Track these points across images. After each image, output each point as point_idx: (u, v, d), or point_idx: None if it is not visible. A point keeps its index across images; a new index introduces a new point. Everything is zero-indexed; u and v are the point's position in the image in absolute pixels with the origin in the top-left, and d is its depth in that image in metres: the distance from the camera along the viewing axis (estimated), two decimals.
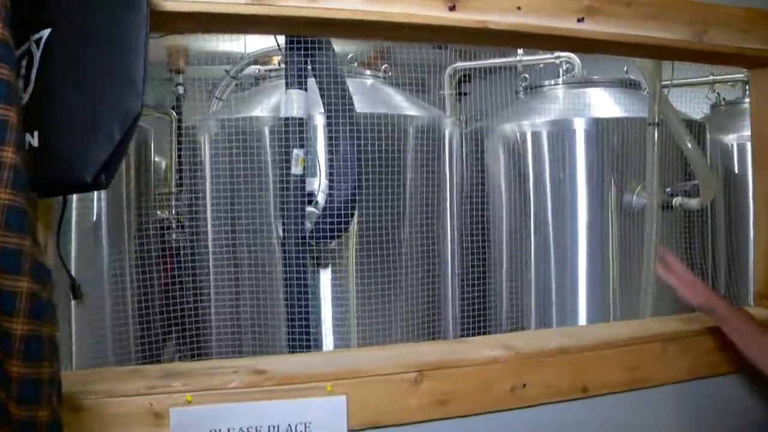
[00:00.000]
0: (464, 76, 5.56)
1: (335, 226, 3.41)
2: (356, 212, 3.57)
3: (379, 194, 3.81)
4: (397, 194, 3.93)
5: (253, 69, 4.74)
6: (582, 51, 3.67)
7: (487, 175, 4.70)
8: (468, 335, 4.17)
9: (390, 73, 4.42)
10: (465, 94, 5.62)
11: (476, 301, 4.30)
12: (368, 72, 4.30)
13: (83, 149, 1.59)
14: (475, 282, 4.36)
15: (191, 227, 4.20)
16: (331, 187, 3.42)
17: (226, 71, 4.89)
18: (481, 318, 4.33)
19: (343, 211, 3.43)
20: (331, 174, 3.45)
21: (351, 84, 4.09)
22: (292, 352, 3.42)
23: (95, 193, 3.85)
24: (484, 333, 4.31)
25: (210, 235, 4.08)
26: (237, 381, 1.88)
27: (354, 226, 3.73)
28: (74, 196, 3.66)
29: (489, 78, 5.33)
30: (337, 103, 3.37)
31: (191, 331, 3.89)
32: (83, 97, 1.61)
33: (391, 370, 2.03)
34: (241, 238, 3.86)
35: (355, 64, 4.43)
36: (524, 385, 2.16)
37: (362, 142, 3.63)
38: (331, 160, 3.49)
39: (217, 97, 4.87)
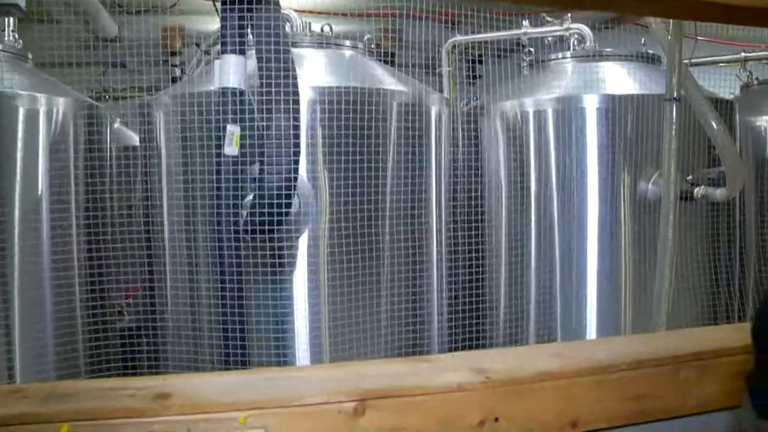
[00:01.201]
0: (477, 57, 5.05)
1: (266, 219, 2.92)
2: (305, 201, 3.08)
3: (353, 182, 3.32)
4: (375, 183, 3.44)
5: None
6: None
7: (483, 161, 4.18)
8: (455, 350, 3.68)
9: (373, 45, 3.91)
10: (479, 76, 5.10)
11: (467, 307, 3.80)
12: (347, 42, 3.79)
13: None
14: (467, 285, 3.86)
15: (146, 216, 3.73)
16: (261, 171, 2.94)
17: (196, 44, 4.41)
18: (473, 329, 3.82)
19: (275, 200, 2.94)
20: (263, 155, 2.96)
21: (325, 55, 3.61)
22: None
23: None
24: (475, 345, 3.80)
25: (165, 227, 3.60)
26: (131, 406, 1.60)
27: (324, 221, 3.25)
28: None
29: (503, 60, 4.80)
30: (277, 70, 2.86)
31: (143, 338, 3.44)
32: None
33: (324, 398, 1.71)
34: (197, 229, 3.39)
35: (374, 45, 3.94)
36: (496, 419, 1.82)
37: (327, 120, 3.14)
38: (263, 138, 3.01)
39: (188, 74, 4.39)
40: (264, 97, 2.91)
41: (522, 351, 2.82)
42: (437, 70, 4.79)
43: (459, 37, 4.60)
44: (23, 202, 3.49)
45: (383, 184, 3.49)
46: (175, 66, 5.42)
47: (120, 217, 3.88)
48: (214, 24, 4.50)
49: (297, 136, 2.94)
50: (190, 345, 3.37)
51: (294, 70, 2.93)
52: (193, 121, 3.27)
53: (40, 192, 3.55)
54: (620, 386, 1.93)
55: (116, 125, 4.29)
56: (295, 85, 2.92)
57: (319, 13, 4.85)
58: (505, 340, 4.02)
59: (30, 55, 3.92)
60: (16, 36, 3.88)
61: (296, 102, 2.92)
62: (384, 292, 3.47)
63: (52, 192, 3.56)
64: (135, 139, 4.33)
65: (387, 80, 3.68)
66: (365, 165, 3.39)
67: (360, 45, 3.86)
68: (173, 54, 5.37)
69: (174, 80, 5.24)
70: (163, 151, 3.60)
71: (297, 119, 2.93)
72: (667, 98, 3.24)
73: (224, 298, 2.95)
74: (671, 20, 3.15)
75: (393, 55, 4.68)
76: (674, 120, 3.23)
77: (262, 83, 2.92)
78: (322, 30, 3.76)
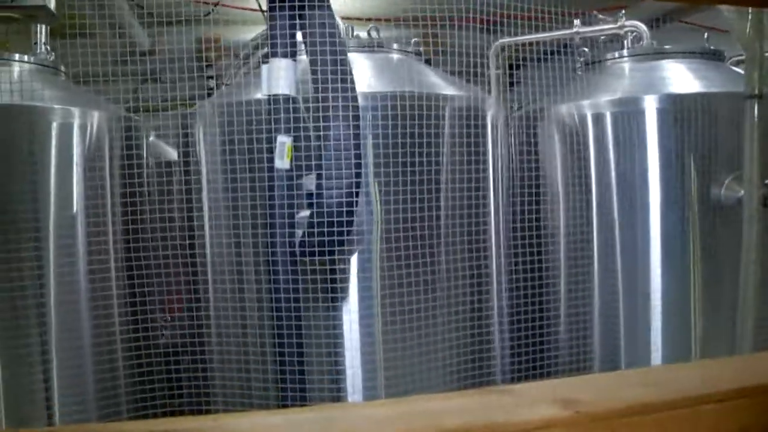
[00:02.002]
0: (514, 62, 4.81)
1: (325, 238, 2.69)
2: (357, 218, 2.85)
3: (404, 196, 3.08)
4: (429, 196, 3.20)
5: None
6: None
7: (541, 168, 3.93)
8: (518, 378, 3.41)
9: (421, 48, 3.69)
10: (517, 82, 4.86)
11: (528, 325, 3.54)
12: (395, 46, 3.58)
13: None
14: (528, 303, 3.59)
15: (187, 234, 3.52)
16: (320, 186, 2.72)
17: (234, 54, 4.21)
18: (536, 353, 3.55)
19: (335, 218, 2.71)
20: (319, 168, 2.75)
21: (372, 59, 3.40)
22: (283, 407, 2.73)
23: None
24: (538, 372, 3.53)
25: (207, 246, 3.40)
26: None
27: (377, 240, 3.01)
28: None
29: (551, 63, 4.56)
30: (333, 73, 2.64)
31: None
32: None
33: None
34: (243, 250, 3.17)
35: (422, 48, 3.70)
36: None
37: (380, 127, 2.91)
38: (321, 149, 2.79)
39: (227, 83, 4.19)
40: (320, 104, 2.69)
41: (610, 378, 2.55)
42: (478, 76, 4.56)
43: (507, 39, 4.37)
44: (58, 219, 3.33)
45: (437, 198, 3.25)
46: (211, 77, 5.23)
47: (159, 234, 3.69)
48: (249, 34, 4.33)
49: (358, 146, 2.72)
50: (234, 371, 3.15)
51: (351, 73, 2.71)
52: (238, 132, 3.05)
53: (75, 209, 3.39)
54: (721, 418, 1.69)
55: (151, 139, 4.10)
56: (354, 90, 2.71)
57: (358, 19, 4.66)
58: (569, 366, 3.73)
59: (63, 68, 3.76)
60: (48, 48, 3.72)
61: (355, 108, 2.70)
62: (441, 318, 3.21)
63: (88, 207, 3.39)
64: (172, 153, 4.15)
65: (439, 84, 3.45)
66: (417, 177, 3.15)
67: (408, 48, 3.64)
68: (209, 65, 5.19)
69: (210, 92, 5.08)
70: (204, 166, 3.40)
71: (357, 127, 2.71)
72: (748, 95, 2.99)
73: (280, 327, 2.72)
74: (749, 9, 2.90)
75: (428, 62, 4.47)
76: (756, 118, 2.97)
77: (316, 88, 2.71)
78: (369, 33, 3.55)
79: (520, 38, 4.30)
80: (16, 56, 3.55)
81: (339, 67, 2.66)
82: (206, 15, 4.47)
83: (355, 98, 2.73)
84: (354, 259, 3.06)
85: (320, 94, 2.68)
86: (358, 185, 2.76)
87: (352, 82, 2.73)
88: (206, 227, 3.37)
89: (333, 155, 2.68)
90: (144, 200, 3.60)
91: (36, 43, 3.69)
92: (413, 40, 3.70)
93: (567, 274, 3.84)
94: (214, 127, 3.21)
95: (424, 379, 3.10)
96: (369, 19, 4.61)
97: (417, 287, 3.03)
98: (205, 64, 5.04)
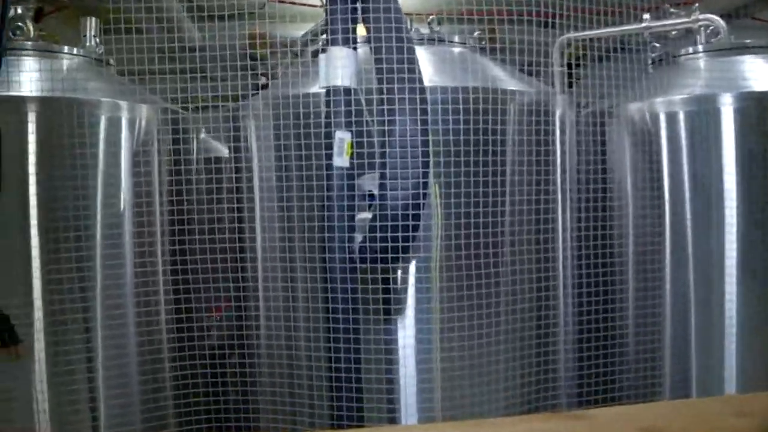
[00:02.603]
0: (574, 60, 4.57)
1: (388, 244, 2.51)
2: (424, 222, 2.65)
3: (466, 199, 2.88)
4: (494, 198, 3.00)
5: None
6: None
7: (609, 170, 3.70)
8: (585, 402, 3.19)
9: (485, 42, 3.49)
10: (576, 79, 4.63)
11: (595, 346, 3.31)
12: (456, 38, 3.39)
13: None
14: (595, 319, 3.35)
15: (236, 234, 3.38)
16: (383, 186, 2.52)
17: (286, 46, 4.06)
18: (601, 373, 3.31)
19: (400, 221, 2.52)
20: (382, 166, 2.56)
21: (432, 53, 3.22)
22: (336, 427, 2.55)
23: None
24: (607, 396, 3.29)
25: (258, 247, 3.25)
26: None
27: (437, 247, 2.81)
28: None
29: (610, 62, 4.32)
30: (400, 66, 2.45)
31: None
32: None
33: None
34: (296, 255, 3.01)
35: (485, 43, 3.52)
36: None
37: (440, 124, 2.72)
38: (385, 145, 2.60)
39: (271, 76, 4.04)
40: (384, 96, 2.51)
41: (697, 406, 2.33)
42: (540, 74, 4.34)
43: (573, 34, 4.14)
44: (105, 214, 3.25)
45: (501, 201, 3.05)
46: (264, 74, 5.09)
47: (206, 233, 3.56)
48: (299, 30, 4.18)
49: (425, 143, 2.53)
50: (285, 386, 2.99)
51: (418, 63, 2.53)
52: (293, 126, 2.88)
53: (122, 205, 3.30)
54: None
55: (202, 135, 3.99)
56: (421, 81, 2.53)
57: (417, 14, 4.49)
58: (636, 391, 3.48)
59: (112, 62, 3.66)
60: (98, 41, 3.62)
61: (423, 101, 2.52)
62: (503, 335, 3.01)
63: (135, 203, 3.30)
64: (222, 149, 4.02)
65: (505, 79, 3.26)
66: (481, 178, 2.95)
67: (471, 41, 3.45)
68: (257, 60, 5.06)
69: (259, 87, 4.95)
70: (255, 163, 3.26)
71: (425, 122, 2.53)
72: None
73: (336, 340, 2.54)
74: None
75: (492, 56, 4.27)
76: None
77: (380, 79, 2.53)
78: (429, 26, 3.37)
79: (587, 33, 4.06)
80: (65, 49, 3.46)
81: (405, 56, 2.47)
82: (260, 8, 4.33)
83: (422, 90, 2.56)
84: (411, 268, 2.87)
85: (384, 86, 2.50)
86: (425, 186, 2.57)
87: (419, 72, 2.55)
88: (257, 228, 3.23)
89: (398, 152, 2.49)
90: (192, 198, 3.49)
91: (85, 36, 3.59)
92: (476, 32, 3.50)
93: (635, 287, 3.60)
94: (267, 122, 3.06)
95: (484, 401, 2.91)
96: (427, 15, 4.44)
97: (479, 300, 2.83)
98: (256, 58, 4.90)
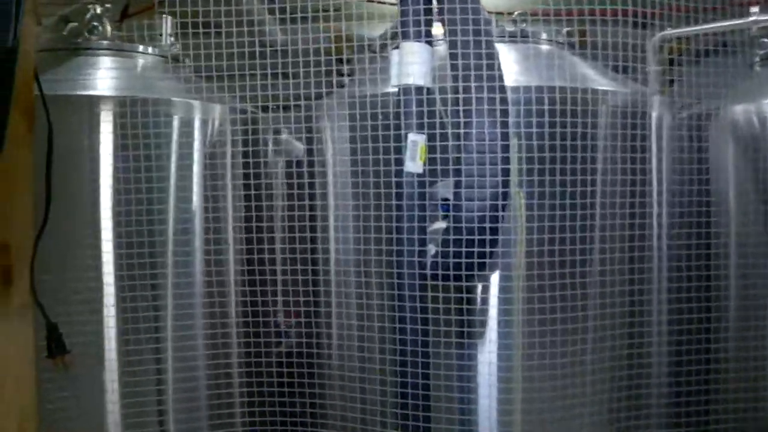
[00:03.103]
0: (671, 58, 4.28)
1: (462, 260, 2.30)
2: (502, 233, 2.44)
3: (551, 208, 2.67)
4: (582, 207, 2.77)
5: None
6: None
7: (712, 178, 3.40)
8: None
9: (574, 39, 3.27)
10: (671, 80, 4.33)
11: (693, 368, 3.03)
12: (543, 35, 3.18)
13: None
14: (690, 342, 3.08)
15: (310, 241, 3.26)
16: (458, 194, 2.33)
17: (365, 45, 3.91)
18: (699, 401, 3.04)
19: (476, 234, 2.31)
20: (458, 173, 2.37)
21: (517, 50, 3.03)
22: None
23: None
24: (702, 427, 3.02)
25: (332, 256, 3.11)
26: None
27: (521, 260, 2.59)
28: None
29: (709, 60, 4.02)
30: (477, 58, 2.26)
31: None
32: None
33: None
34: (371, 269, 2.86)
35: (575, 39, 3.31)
36: None
37: (523, 126, 2.52)
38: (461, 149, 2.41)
39: (348, 75, 3.90)
40: (461, 95, 2.32)
41: None
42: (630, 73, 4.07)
43: (670, 31, 3.86)
44: (176, 216, 3.19)
45: (592, 214, 2.82)
46: (347, 75, 4.97)
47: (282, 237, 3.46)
48: (381, 30, 4.04)
49: (506, 148, 2.34)
50: (357, 401, 2.84)
51: (499, 59, 2.35)
52: (365, 128, 2.73)
53: (194, 206, 3.23)
54: None
55: (284, 136, 3.90)
56: (501, 79, 2.34)
57: (499, 13, 4.29)
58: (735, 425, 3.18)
59: (187, 62, 3.59)
60: (172, 40, 3.57)
61: (504, 101, 2.33)
62: (591, 356, 2.78)
63: (207, 205, 3.24)
64: (302, 151, 3.93)
65: (596, 79, 3.03)
66: (569, 188, 2.73)
67: (558, 39, 3.23)
68: (341, 61, 4.95)
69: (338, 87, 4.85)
70: (330, 166, 3.13)
71: (505, 124, 2.34)
72: None
73: (404, 363, 2.37)
74: None
75: (581, 54, 4.03)
76: None
77: (456, 77, 2.35)
78: (514, 22, 3.17)
79: (686, 29, 3.77)
80: (140, 48, 3.42)
81: (484, 51, 2.28)
82: (336, 11, 4.21)
83: (503, 89, 2.36)
84: (491, 285, 2.67)
85: (461, 84, 2.31)
86: (505, 195, 2.37)
87: (500, 69, 2.36)
88: (331, 235, 3.09)
89: (475, 158, 2.30)
90: (265, 199, 3.39)
91: (161, 35, 3.55)
92: (564, 29, 3.28)
93: (737, 305, 3.29)
94: (342, 122, 2.92)
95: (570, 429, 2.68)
96: (510, 14, 4.25)
97: (564, 321, 2.61)
98: (337, 59, 4.78)
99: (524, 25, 3.15)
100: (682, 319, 3.14)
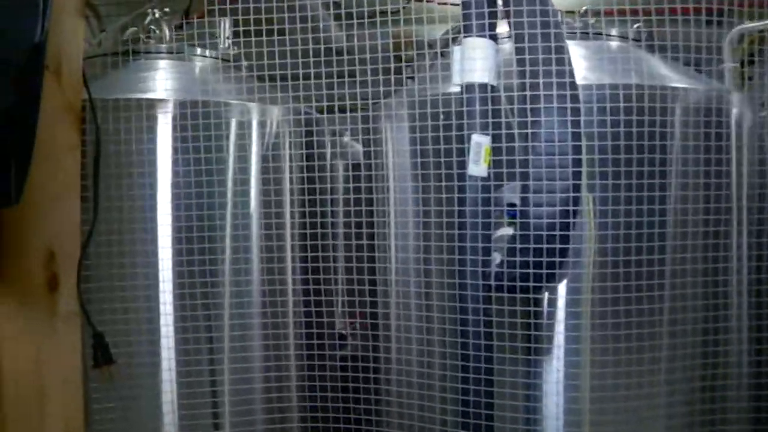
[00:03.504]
0: (749, 54, 4.07)
1: (530, 271, 2.17)
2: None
3: (625, 214, 2.51)
4: (657, 211, 2.61)
5: None
6: None
7: None
8: None
9: (644, 33, 3.11)
10: (750, 78, 4.12)
11: None
12: (613, 31, 3.03)
13: None
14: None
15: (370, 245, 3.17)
16: (525, 200, 2.19)
17: (428, 47, 3.82)
18: None
19: (545, 240, 2.19)
20: (526, 176, 2.25)
21: (585, 47, 2.90)
22: None
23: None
24: None
25: (393, 263, 3.02)
26: None
27: (590, 268, 2.45)
28: None
29: None
30: (546, 52, 2.13)
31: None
32: None
33: None
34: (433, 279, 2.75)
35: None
36: None
37: (595, 126, 2.38)
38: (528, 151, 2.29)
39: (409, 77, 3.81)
40: (528, 92, 2.20)
41: None
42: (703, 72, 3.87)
43: (749, 24, 3.65)
44: (234, 220, 3.14)
45: (663, 221, 2.66)
46: (407, 77, 4.89)
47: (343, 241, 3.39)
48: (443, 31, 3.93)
49: (578, 150, 2.21)
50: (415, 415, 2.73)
51: (569, 54, 2.22)
52: (426, 129, 2.63)
53: (252, 209, 3.18)
54: None
55: (345, 139, 3.84)
56: (572, 75, 2.21)
57: (568, 12, 4.15)
58: None
59: (246, 63, 3.56)
60: (230, 43, 3.54)
61: (575, 100, 2.20)
62: (664, 375, 2.62)
63: (265, 210, 3.18)
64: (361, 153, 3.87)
65: (670, 76, 2.86)
66: (646, 192, 2.56)
67: (630, 35, 3.07)
68: (402, 62, 4.87)
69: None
70: (391, 170, 3.04)
71: (577, 124, 2.21)
72: None
73: (466, 381, 2.26)
74: None
75: (653, 50, 3.85)
76: None
77: (523, 73, 2.23)
78: (583, 18, 3.03)
79: (766, 23, 3.57)
80: (198, 50, 3.40)
81: (554, 44, 2.15)
82: (394, 13, 4.13)
83: (574, 86, 2.23)
84: (559, 297, 2.52)
85: (528, 81, 2.19)
86: (576, 200, 2.23)
87: (570, 65, 2.23)
88: (391, 241, 3.00)
89: (544, 160, 2.17)
90: (325, 203, 3.32)
91: (219, 37, 3.52)
92: (636, 25, 3.12)
93: None
94: (402, 123, 2.82)
95: None
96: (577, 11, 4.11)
97: (640, 339, 2.45)
98: (401, 60, 4.69)
99: (593, 21, 3.01)
100: (763, 328, 2.95)
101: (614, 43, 3.04)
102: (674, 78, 2.86)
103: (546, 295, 2.45)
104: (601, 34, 3.00)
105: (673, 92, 2.73)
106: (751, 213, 3.03)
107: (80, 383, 2.17)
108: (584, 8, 3.07)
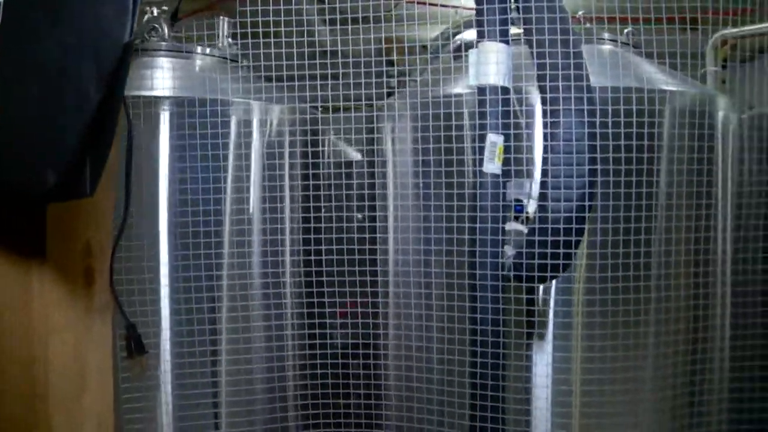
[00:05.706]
0: (727, 59, 4.20)
1: (548, 262, 2.27)
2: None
3: (615, 212, 2.62)
4: (646, 211, 2.71)
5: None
6: None
7: None
8: None
9: (634, 37, 3.22)
10: (730, 81, 4.25)
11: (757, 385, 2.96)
12: (605, 35, 3.14)
13: None
14: (753, 357, 3.02)
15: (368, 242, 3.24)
16: (543, 195, 2.28)
17: (424, 47, 3.89)
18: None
19: (562, 236, 2.28)
20: (546, 172, 2.34)
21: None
22: None
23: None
24: None
25: (390, 260, 3.09)
26: None
27: (582, 263, 2.56)
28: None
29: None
30: (565, 57, 2.23)
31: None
32: None
33: None
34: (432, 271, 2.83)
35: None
36: None
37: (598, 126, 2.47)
38: (546, 149, 2.38)
39: (410, 79, 3.88)
40: (548, 95, 2.29)
41: None
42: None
43: (730, 30, 3.78)
44: (234, 216, 3.19)
45: (653, 218, 2.76)
46: (402, 78, 4.96)
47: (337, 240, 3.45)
48: (432, 32, 4.01)
49: (593, 148, 2.32)
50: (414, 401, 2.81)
51: (583, 57, 2.32)
52: (434, 128, 2.71)
53: (252, 206, 3.24)
54: None
55: (331, 138, 3.90)
56: (588, 78, 2.31)
57: None
58: None
59: (245, 62, 3.60)
60: (230, 41, 3.58)
61: (591, 101, 2.31)
62: (650, 363, 2.73)
63: (265, 207, 3.25)
64: (353, 154, 3.92)
65: (659, 79, 2.97)
66: (634, 189, 2.67)
67: (621, 38, 3.18)
68: (392, 64, 4.94)
69: (392, 91, 4.83)
70: (391, 167, 3.11)
71: (593, 124, 2.32)
72: None
73: (484, 366, 2.35)
74: None
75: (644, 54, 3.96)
76: None
77: (540, 76, 2.33)
78: (578, 21, 3.13)
79: (748, 28, 3.70)
80: (198, 48, 3.44)
81: (571, 49, 2.25)
82: (385, 12, 4.19)
83: (590, 87, 2.33)
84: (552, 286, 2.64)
85: (548, 83, 2.28)
86: (591, 197, 2.33)
87: (585, 68, 2.34)
88: (390, 237, 3.07)
89: (562, 158, 2.28)
90: (322, 202, 3.38)
91: (219, 36, 3.56)
92: (627, 29, 3.23)
93: None
94: (402, 123, 2.90)
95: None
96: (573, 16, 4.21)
97: (626, 328, 2.57)
98: (391, 62, 4.75)
99: (587, 25, 3.11)
100: (746, 325, 3.07)
101: (607, 47, 3.15)
102: (663, 80, 2.97)
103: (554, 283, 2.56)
104: (593, 37, 3.10)
105: (662, 94, 2.83)
106: (734, 209, 3.16)
107: (111, 374, 2.21)
108: (580, 13, 3.16)
